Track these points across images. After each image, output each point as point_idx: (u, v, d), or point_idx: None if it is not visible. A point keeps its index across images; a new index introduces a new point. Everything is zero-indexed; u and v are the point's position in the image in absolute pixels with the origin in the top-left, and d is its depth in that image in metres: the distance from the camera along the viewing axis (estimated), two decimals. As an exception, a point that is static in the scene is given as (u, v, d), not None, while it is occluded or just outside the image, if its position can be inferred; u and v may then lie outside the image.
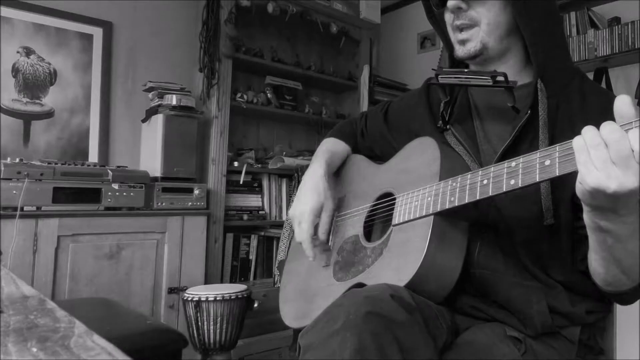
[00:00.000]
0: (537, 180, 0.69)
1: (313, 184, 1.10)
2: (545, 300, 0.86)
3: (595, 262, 0.77)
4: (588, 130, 0.61)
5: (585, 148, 0.61)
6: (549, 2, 0.92)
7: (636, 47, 2.34)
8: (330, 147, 1.24)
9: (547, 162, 0.68)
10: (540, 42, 0.89)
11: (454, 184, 0.84)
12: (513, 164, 0.74)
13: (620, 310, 1.02)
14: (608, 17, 2.53)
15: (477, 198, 0.79)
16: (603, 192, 0.60)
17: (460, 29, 0.94)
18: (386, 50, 3.80)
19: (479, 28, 0.92)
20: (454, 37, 0.97)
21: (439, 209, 0.85)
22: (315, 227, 1.07)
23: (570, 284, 0.88)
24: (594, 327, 0.92)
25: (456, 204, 0.82)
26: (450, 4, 0.92)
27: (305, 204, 1.07)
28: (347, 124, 1.32)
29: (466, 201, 0.81)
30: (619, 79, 2.55)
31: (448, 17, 0.97)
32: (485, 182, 0.78)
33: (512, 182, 0.73)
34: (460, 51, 0.96)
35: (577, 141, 0.62)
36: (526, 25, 0.89)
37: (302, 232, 1.05)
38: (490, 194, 0.77)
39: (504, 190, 0.74)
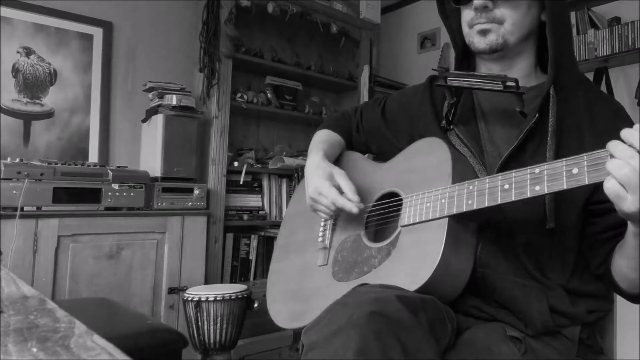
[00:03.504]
0: (565, 187, 0.69)
1: (314, 166, 1.06)
2: (546, 299, 0.86)
3: (627, 269, 0.79)
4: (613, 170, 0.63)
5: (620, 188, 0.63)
6: (565, 8, 0.93)
7: (636, 47, 2.34)
8: (326, 138, 1.19)
9: (575, 170, 0.68)
10: (559, 47, 0.88)
11: (471, 187, 0.83)
12: (537, 170, 0.73)
13: (620, 309, 1.02)
14: (608, 17, 2.53)
15: (499, 202, 0.78)
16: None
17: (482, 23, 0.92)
18: (386, 50, 3.79)
19: (502, 27, 0.91)
20: (472, 30, 0.94)
21: (454, 211, 0.83)
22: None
23: (571, 287, 0.88)
24: (594, 327, 0.92)
25: (475, 207, 0.81)
26: (477, 2, 0.90)
27: (315, 179, 1.02)
28: (341, 118, 1.26)
29: (486, 205, 0.79)
30: (619, 79, 2.55)
31: (467, 14, 0.95)
32: (506, 186, 0.77)
33: (537, 188, 0.73)
34: (481, 42, 0.93)
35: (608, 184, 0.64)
36: (551, 29, 0.88)
37: (328, 196, 0.98)
38: (513, 199, 0.76)
39: (529, 195, 0.74)
